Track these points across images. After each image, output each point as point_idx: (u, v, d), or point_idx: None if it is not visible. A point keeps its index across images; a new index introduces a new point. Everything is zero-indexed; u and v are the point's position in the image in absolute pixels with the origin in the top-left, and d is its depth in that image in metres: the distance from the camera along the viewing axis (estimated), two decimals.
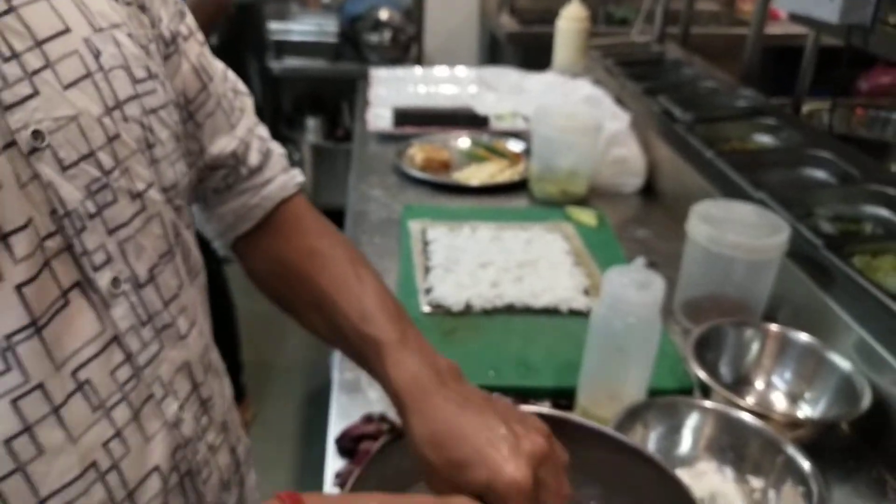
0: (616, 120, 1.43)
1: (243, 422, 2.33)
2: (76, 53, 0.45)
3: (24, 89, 0.42)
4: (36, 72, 0.42)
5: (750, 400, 0.85)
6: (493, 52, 3.10)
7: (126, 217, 0.48)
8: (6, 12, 0.41)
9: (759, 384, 0.88)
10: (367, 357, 0.59)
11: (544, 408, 0.70)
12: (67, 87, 0.44)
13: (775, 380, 0.87)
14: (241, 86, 0.67)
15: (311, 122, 3.16)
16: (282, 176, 0.68)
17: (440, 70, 1.98)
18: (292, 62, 3.06)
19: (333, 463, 0.77)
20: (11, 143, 0.41)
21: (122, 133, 0.48)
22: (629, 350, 0.76)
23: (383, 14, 3.01)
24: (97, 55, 0.47)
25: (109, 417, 0.46)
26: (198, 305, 0.57)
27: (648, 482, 0.59)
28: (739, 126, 1.46)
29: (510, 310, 0.99)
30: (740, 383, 0.88)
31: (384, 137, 1.65)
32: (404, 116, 1.68)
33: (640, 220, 1.37)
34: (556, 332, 0.95)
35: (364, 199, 1.40)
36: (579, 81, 1.58)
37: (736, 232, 0.95)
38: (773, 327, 0.89)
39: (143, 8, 0.54)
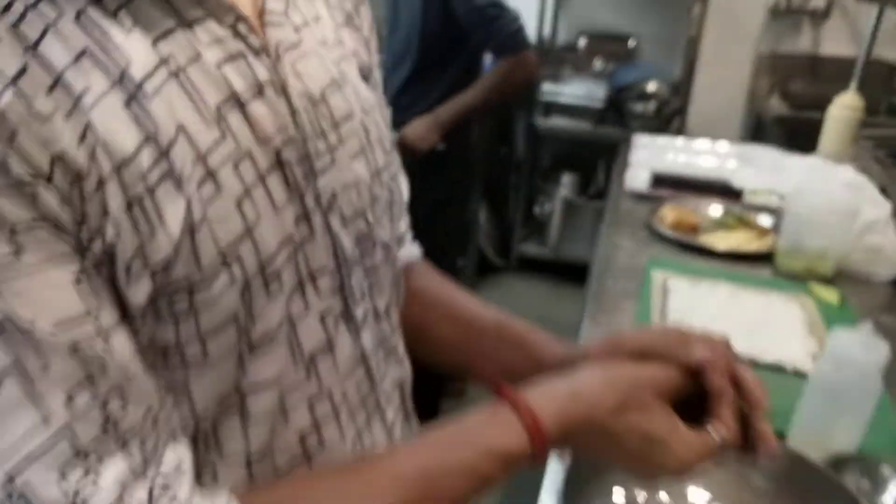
0: (876, 207, 1.44)
1: None
2: (356, 134, 0.55)
3: (327, 160, 0.52)
4: (334, 147, 0.52)
5: None
6: (757, 132, 3.10)
7: (377, 262, 0.58)
8: (320, 101, 0.52)
9: None
10: (527, 343, 0.65)
11: None
12: (352, 159, 0.54)
13: None
14: None
15: (566, 178, 3.38)
16: (410, 244, 0.74)
17: (701, 142, 2.08)
18: (557, 121, 3.31)
19: None
20: (318, 201, 0.51)
21: (379, 195, 0.58)
22: (845, 405, 0.83)
23: (651, 86, 3.16)
24: (367, 133, 0.57)
25: (355, 422, 0.56)
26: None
27: None
28: None
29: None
30: None
31: (638, 197, 1.79)
32: (661, 179, 1.81)
33: (887, 307, 1.37)
34: (775, 385, 1.02)
35: (613, 247, 1.55)
36: (842, 167, 1.61)
37: None
38: None
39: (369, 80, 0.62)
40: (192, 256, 0.43)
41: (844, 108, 1.83)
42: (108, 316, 0.41)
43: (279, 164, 0.48)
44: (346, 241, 0.54)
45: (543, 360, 0.63)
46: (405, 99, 2.14)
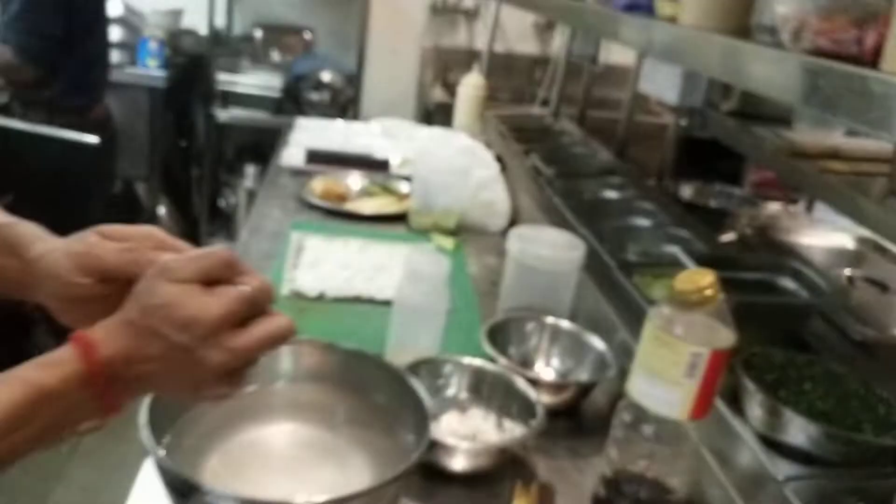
0: (486, 168, 1.68)
1: None
2: None
3: None
4: None
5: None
6: (425, 118, 3.39)
7: None
8: None
9: (539, 363, 1.09)
10: (21, 244, 0.61)
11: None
12: None
13: (552, 359, 1.09)
14: None
15: (250, 169, 3.38)
16: None
17: (357, 124, 2.23)
18: (237, 112, 3.30)
19: None
20: None
21: None
22: (422, 315, 0.97)
23: (326, 76, 3.29)
24: None
25: None
26: None
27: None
28: (593, 182, 1.72)
29: (357, 299, 1.20)
30: (526, 364, 1.09)
31: (295, 173, 1.87)
32: (315, 156, 1.91)
33: (495, 251, 1.59)
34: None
35: (262, 216, 1.61)
36: (460, 134, 1.84)
37: (541, 248, 1.18)
38: (549, 319, 1.11)
39: None
40: None
41: (469, 86, 2.09)
42: None
43: None
44: None
45: (29, 261, 0.61)
46: None
